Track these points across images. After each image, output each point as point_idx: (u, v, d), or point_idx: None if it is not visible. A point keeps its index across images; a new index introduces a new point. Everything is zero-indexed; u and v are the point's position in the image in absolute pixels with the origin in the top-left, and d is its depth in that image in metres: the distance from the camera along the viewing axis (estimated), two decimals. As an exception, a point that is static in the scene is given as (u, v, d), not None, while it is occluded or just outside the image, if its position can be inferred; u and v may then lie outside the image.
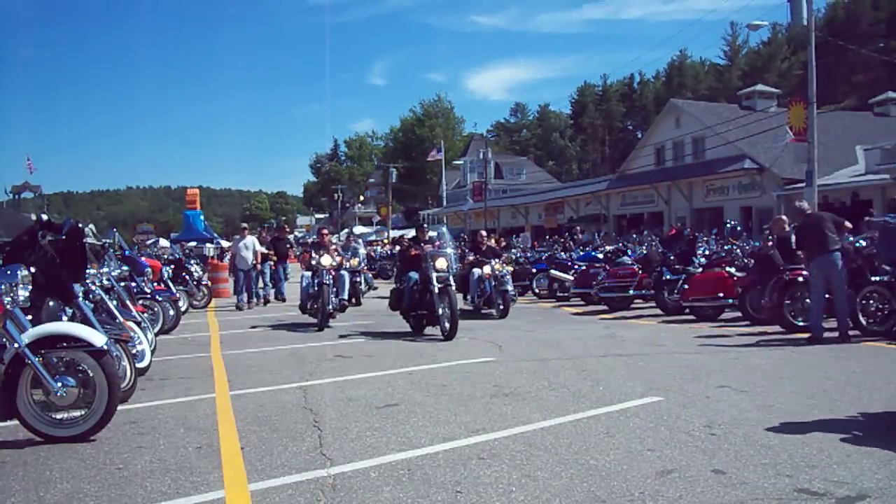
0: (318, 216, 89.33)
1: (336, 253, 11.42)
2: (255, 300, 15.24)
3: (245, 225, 16.65)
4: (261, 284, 15.59)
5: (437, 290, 9.10)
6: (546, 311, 13.11)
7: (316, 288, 10.76)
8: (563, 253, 17.94)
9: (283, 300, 15.73)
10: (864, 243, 9.26)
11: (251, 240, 15.41)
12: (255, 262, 14.97)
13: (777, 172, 25.42)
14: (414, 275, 9.70)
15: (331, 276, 10.70)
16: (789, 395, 5.28)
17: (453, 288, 9.25)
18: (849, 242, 8.87)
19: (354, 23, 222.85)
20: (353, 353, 8.07)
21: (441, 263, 9.29)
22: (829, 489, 3.24)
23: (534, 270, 16.75)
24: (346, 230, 52.25)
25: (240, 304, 14.73)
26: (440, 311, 9.09)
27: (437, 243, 9.99)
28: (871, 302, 8.46)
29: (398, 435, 4.41)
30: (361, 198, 77.29)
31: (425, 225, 10.97)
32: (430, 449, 4.07)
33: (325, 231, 12.61)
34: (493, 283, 11.96)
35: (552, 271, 15.59)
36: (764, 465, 3.62)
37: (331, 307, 10.61)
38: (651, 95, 67.63)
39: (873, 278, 8.47)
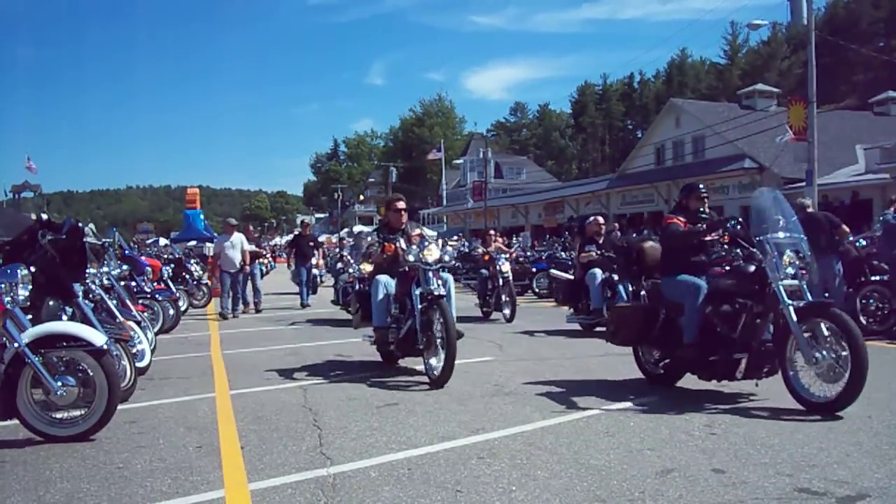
0: (318, 215, 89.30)
1: (439, 244, 6.58)
2: (241, 307, 13.41)
3: (232, 220, 14.11)
4: (249, 289, 13.80)
5: (794, 317, 4.74)
6: (546, 311, 13.11)
7: (408, 305, 6.44)
8: (563, 252, 17.94)
9: (258, 310, 13.79)
10: (864, 243, 9.28)
11: (238, 238, 13.33)
12: (243, 262, 13.09)
13: (777, 172, 25.41)
14: (696, 281, 5.41)
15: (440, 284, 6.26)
16: (789, 394, 5.27)
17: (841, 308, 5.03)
18: (849, 242, 8.89)
19: (354, 22, 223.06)
20: (353, 353, 8.07)
21: (790, 260, 4.93)
22: (829, 488, 3.24)
23: (534, 270, 16.75)
24: (345, 229, 52.25)
25: (224, 313, 12.82)
26: (809, 358, 4.70)
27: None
28: (871, 301, 8.47)
29: (398, 434, 4.41)
30: (361, 197, 77.31)
31: (701, 186, 6.11)
32: (430, 448, 4.07)
33: (401, 204, 7.16)
34: (632, 289, 8.75)
35: (552, 271, 15.55)
36: (764, 464, 3.62)
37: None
38: (651, 95, 67.60)
39: (873, 278, 8.49)
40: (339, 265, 13.88)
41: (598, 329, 9.34)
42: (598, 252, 9.79)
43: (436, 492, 3.33)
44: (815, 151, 18.85)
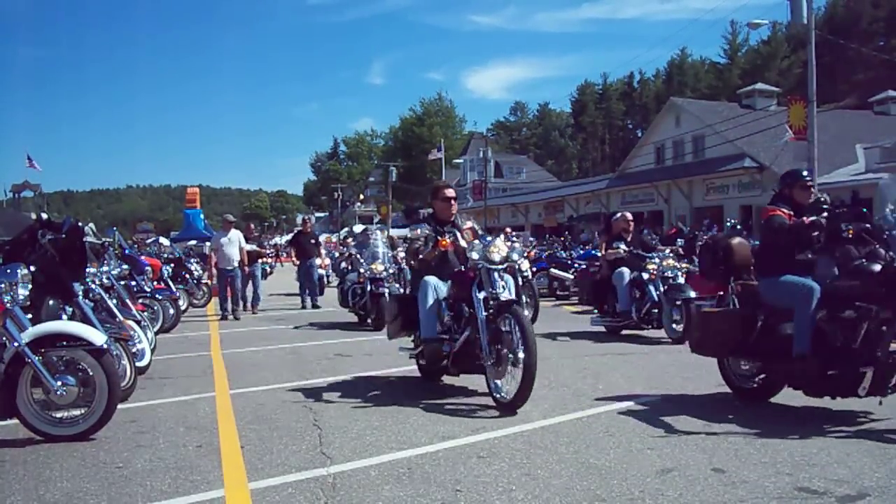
0: (318, 214, 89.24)
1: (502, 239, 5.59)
2: (241, 307, 12.81)
3: (230, 217, 13.31)
4: (249, 290, 13.09)
5: None
6: (546, 310, 13.08)
7: (463, 313, 5.42)
8: (562, 252, 17.93)
9: (255, 311, 13.15)
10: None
11: (236, 234, 12.74)
12: (241, 261, 12.51)
13: (777, 171, 25.39)
14: (807, 282, 4.71)
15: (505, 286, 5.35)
16: (789, 394, 5.28)
17: None
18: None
19: (353, 22, 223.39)
20: (352, 352, 8.07)
21: None
22: (829, 488, 3.24)
23: (534, 269, 16.74)
24: (345, 228, 52.21)
25: (224, 314, 12.35)
26: None
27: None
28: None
29: (398, 434, 4.41)
30: (361, 196, 77.29)
31: (805, 173, 5.49)
32: (430, 447, 4.07)
33: (451, 192, 6.08)
34: (664, 289, 8.47)
35: (552, 270, 15.57)
36: (764, 463, 3.62)
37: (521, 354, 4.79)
38: (651, 94, 67.58)
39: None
40: (344, 265, 13.60)
41: (625, 332, 9.00)
42: (627, 249, 9.18)
43: (436, 491, 3.33)
44: (815, 151, 18.87)
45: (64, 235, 5.27)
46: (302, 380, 6.39)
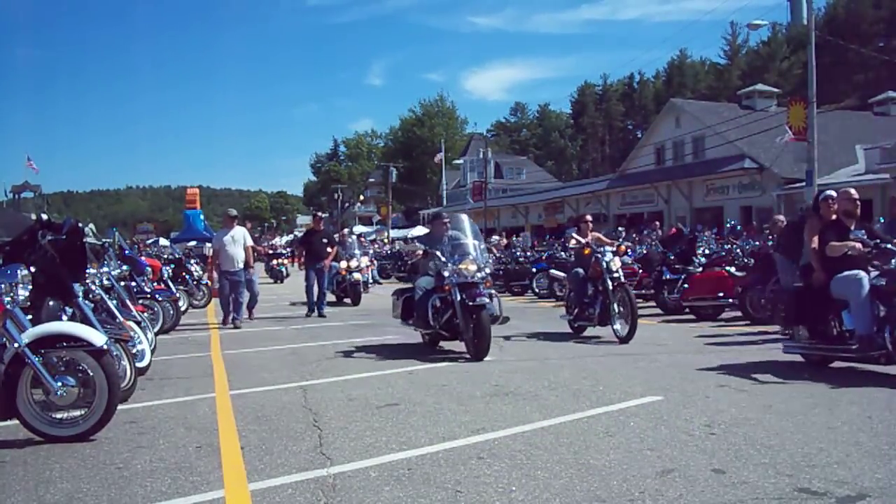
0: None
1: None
2: (242, 313, 11.38)
3: (232, 212, 11.82)
4: (246, 295, 11.48)
5: None
6: (546, 311, 13.10)
7: None
8: (563, 252, 17.93)
9: (251, 317, 11.81)
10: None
11: (240, 231, 11.24)
12: (247, 261, 11.17)
13: (777, 172, 25.43)
14: None
15: None
16: (789, 395, 5.28)
17: None
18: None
19: (353, 23, 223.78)
20: (353, 353, 8.07)
21: None
22: (829, 489, 3.24)
23: (534, 270, 16.77)
24: (346, 229, 52.16)
25: (227, 321, 11.15)
26: None
27: None
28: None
29: (398, 434, 4.41)
30: (361, 197, 77.29)
31: None
32: (430, 448, 4.07)
33: None
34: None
35: (552, 271, 15.57)
36: (764, 464, 3.62)
37: None
38: (651, 95, 67.61)
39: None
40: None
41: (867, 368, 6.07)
42: (869, 242, 6.09)
43: (436, 492, 3.33)
44: (815, 151, 18.86)
45: (64, 236, 5.26)
46: (302, 380, 6.39)
